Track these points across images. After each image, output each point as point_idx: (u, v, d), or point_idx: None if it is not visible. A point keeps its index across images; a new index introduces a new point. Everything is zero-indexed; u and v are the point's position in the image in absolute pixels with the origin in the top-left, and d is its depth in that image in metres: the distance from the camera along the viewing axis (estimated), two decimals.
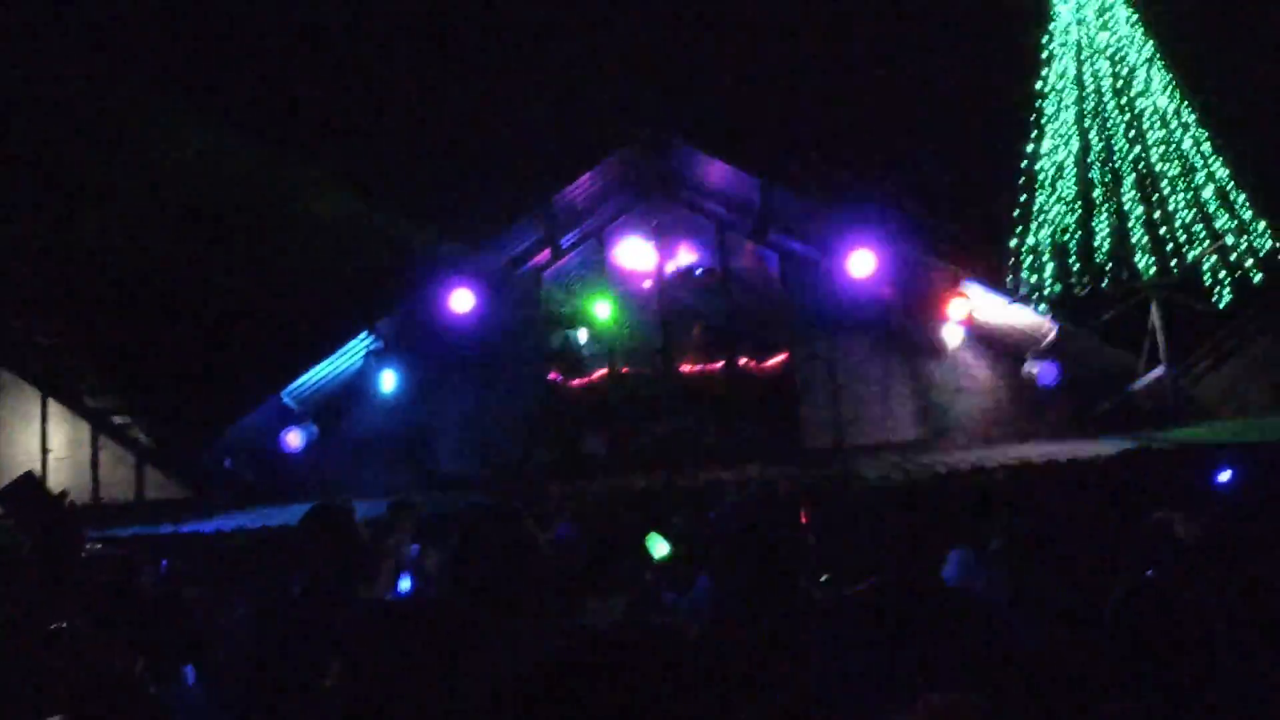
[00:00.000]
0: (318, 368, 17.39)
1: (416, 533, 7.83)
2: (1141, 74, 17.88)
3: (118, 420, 18.52)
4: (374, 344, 17.39)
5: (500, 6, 19.98)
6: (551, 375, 17.52)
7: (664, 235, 17.87)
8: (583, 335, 17.77)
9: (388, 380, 17.20)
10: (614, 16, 18.82)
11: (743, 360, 17.36)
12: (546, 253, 17.95)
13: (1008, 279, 17.30)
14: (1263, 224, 17.41)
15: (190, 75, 19.25)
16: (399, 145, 19.24)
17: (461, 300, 16.68)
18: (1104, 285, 17.42)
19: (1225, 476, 11.36)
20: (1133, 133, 17.73)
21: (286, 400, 17.25)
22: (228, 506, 17.20)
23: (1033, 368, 16.81)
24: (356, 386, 17.66)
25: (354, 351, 17.53)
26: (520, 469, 17.04)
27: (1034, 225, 17.74)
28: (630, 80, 17.69)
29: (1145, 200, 17.50)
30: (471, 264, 16.98)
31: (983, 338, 17.31)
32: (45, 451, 18.23)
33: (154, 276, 18.23)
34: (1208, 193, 17.47)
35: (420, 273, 17.16)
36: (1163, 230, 17.44)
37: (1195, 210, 17.45)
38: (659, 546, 8.12)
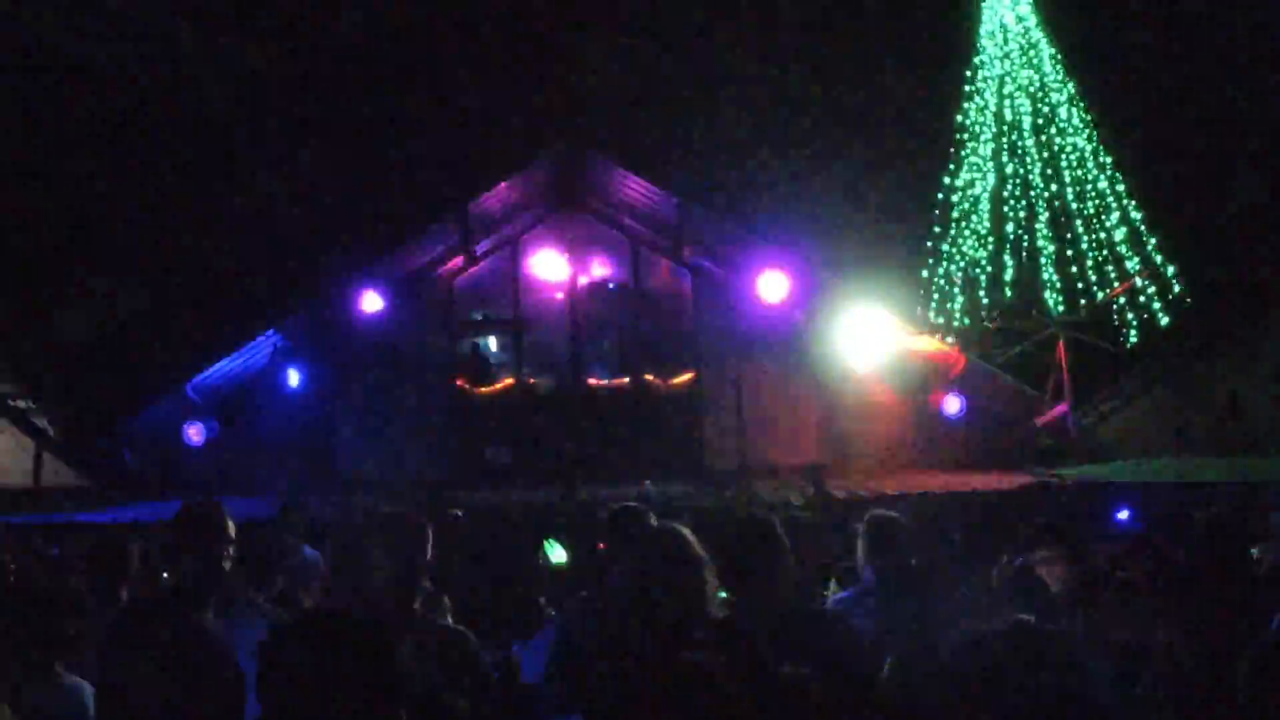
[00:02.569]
0: (223, 362, 17.22)
1: (308, 536, 7.72)
2: (1062, 113, 18.03)
3: (19, 404, 18.25)
4: (281, 341, 17.23)
5: (439, 12, 19.88)
6: (458, 382, 17.41)
7: (578, 248, 17.83)
8: (492, 344, 17.70)
9: (292, 379, 17.04)
10: (547, 31, 18.77)
11: (650, 377, 17.32)
12: (459, 259, 17.85)
13: (917, 309, 17.37)
14: (1172, 268, 17.57)
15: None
16: (320, 144, 19.09)
17: (371, 302, 16.55)
18: (1013, 321, 17.53)
19: (1124, 515, 11.47)
20: (1050, 171, 17.87)
21: (190, 393, 17.06)
22: (125, 498, 16.97)
23: (938, 398, 16.89)
24: (261, 383, 17.49)
25: (260, 348, 17.37)
26: (421, 475, 16.91)
27: (946, 257, 17.83)
28: (554, 93, 17.63)
29: (1059, 238, 17.64)
30: (383, 266, 16.89)
31: (890, 366, 17.34)
32: None
33: (62, 262, 18.00)
34: (1120, 234, 17.63)
35: (331, 272, 17.06)
36: (1073, 269, 17.57)
37: (1107, 251, 17.60)
38: (556, 553, 8.16)
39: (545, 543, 8.28)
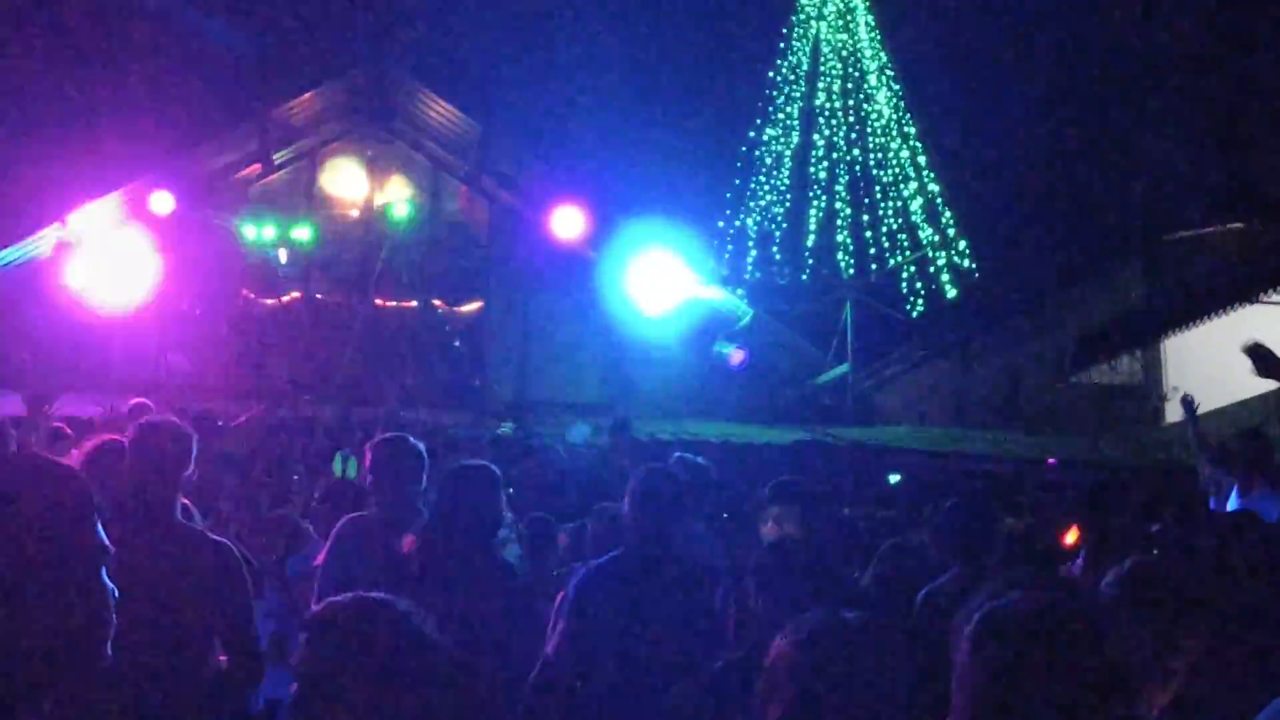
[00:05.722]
0: (3, 252, 16.80)
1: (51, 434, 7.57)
2: (872, 80, 18.31)
3: None
4: (65, 236, 16.83)
5: None
6: (243, 292, 17.22)
7: (378, 167, 17.72)
8: (282, 255, 17.52)
9: (74, 274, 16.67)
10: None
11: (438, 302, 17.32)
12: (257, 166, 17.62)
13: (711, 259, 17.54)
14: (963, 242, 17.97)
15: None
16: (128, 29, 18.48)
17: (161, 202, 16.24)
18: (804, 278, 17.81)
19: (895, 479, 11.74)
20: (854, 135, 18.15)
21: None
22: None
23: (723, 349, 17.10)
24: (40, 278, 17.05)
25: (44, 241, 16.97)
26: (197, 384, 16.70)
27: (744, 210, 18.03)
28: (368, 8, 17.37)
29: (855, 202, 17.94)
30: (177, 166, 16.57)
31: (678, 313, 17.47)
32: None
33: None
34: (916, 204, 17.98)
35: (121, 166, 16.67)
36: (868, 234, 17.91)
37: (901, 220, 17.96)
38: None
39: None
